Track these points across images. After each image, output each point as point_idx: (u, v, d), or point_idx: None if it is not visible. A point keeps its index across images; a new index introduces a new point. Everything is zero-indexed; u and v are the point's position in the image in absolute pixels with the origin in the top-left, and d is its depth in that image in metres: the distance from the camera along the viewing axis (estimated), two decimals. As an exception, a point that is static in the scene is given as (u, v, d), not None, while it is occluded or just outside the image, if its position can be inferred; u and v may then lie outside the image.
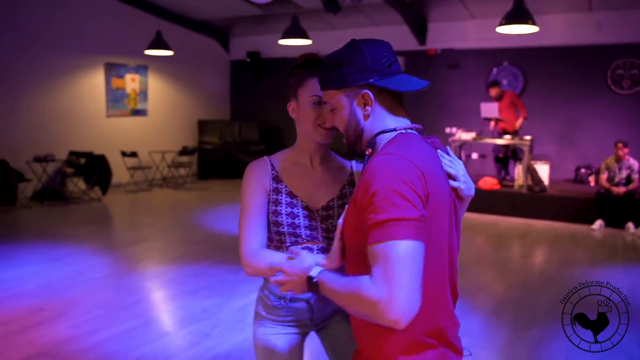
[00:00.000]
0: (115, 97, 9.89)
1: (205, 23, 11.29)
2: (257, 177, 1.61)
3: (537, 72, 9.27)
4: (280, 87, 4.12)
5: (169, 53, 9.29)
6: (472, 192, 1.42)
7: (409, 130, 1.35)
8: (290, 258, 1.41)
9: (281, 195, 1.61)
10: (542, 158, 8.80)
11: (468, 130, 8.84)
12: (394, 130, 1.33)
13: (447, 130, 9.51)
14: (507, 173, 8.96)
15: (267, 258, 1.49)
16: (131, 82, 10.16)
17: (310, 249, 1.61)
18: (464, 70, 9.80)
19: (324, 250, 1.61)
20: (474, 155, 9.75)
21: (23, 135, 8.45)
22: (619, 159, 7.21)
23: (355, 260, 1.28)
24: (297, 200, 1.61)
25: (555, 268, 5.56)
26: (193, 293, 4.43)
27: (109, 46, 9.65)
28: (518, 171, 8.25)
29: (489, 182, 8.25)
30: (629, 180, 7.14)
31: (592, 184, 8.47)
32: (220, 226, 7.01)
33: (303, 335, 1.74)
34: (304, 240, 1.61)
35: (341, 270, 1.35)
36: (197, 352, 3.38)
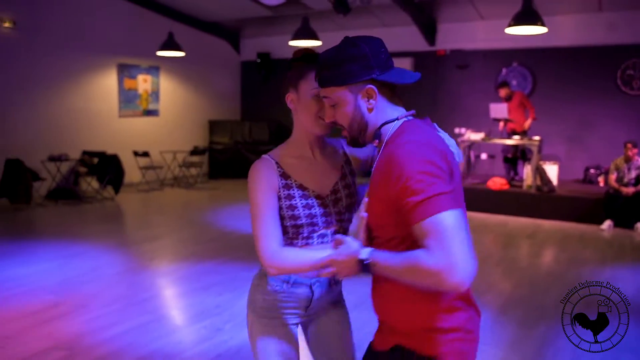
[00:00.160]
0: (127, 98, 10.04)
1: (216, 24, 11.41)
2: (265, 176, 1.62)
3: (546, 72, 9.29)
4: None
5: (181, 54, 9.42)
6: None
7: (409, 118, 1.45)
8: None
9: (293, 190, 1.64)
10: (551, 158, 8.82)
11: (477, 130, 8.88)
12: (397, 119, 1.43)
13: (457, 130, 9.54)
14: (516, 173, 8.99)
15: (296, 257, 1.56)
16: (143, 82, 10.30)
17: (325, 235, 1.67)
18: (473, 70, 9.84)
19: (338, 233, 1.68)
20: (483, 156, 9.78)
21: (38, 135, 8.60)
22: (628, 159, 7.23)
23: (381, 247, 1.38)
24: (308, 191, 1.65)
25: (563, 267, 5.60)
26: (205, 289, 4.53)
27: (122, 47, 9.80)
28: (527, 171, 8.28)
29: (498, 183, 8.29)
30: (638, 180, 7.15)
31: (602, 184, 8.48)
32: (231, 225, 7.11)
33: (296, 327, 1.74)
34: (320, 228, 1.67)
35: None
36: (210, 345, 3.47)
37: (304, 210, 1.64)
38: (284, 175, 1.64)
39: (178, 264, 5.38)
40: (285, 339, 1.71)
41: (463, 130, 9.30)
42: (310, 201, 1.65)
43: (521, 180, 8.70)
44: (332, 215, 1.69)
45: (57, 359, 3.22)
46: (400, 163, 1.27)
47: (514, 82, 9.47)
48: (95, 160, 8.89)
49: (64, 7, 8.82)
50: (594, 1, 8.34)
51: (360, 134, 1.45)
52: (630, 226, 7.13)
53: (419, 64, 10.04)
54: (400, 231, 1.34)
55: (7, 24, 8.07)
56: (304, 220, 1.64)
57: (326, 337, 1.80)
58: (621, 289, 4.73)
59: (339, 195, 1.70)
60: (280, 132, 11.67)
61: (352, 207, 1.74)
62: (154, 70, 10.45)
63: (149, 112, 10.50)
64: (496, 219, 7.68)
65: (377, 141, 1.45)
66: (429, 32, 9.85)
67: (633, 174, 7.18)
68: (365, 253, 1.34)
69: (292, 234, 1.66)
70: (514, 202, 8.07)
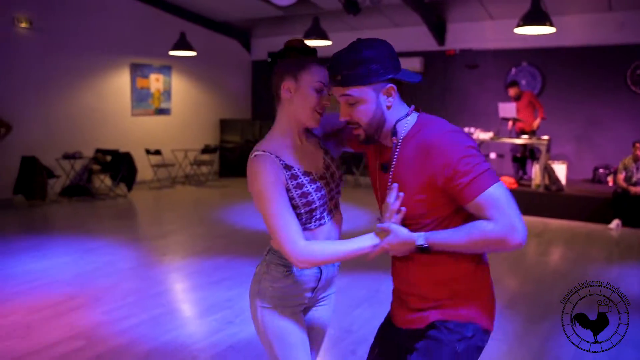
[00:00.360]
0: (140, 97, 10.18)
1: (228, 24, 11.52)
2: (272, 172, 1.61)
3: (556, 72, 9.30)
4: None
5: (192, 54, 9.54)
6: None
7: (416, 113, 1.59)
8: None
9: (300, 179, 1.66)
10: (560, 158, 8.84)
11: (486, 130, 8.92)
12: (407, 115, 1.56)
13: (466, 129, 9.59)
14: (524, 173, 9.02)
15: (328, 250, 1.60)
16: (155, 82, 10.44)
17: (331, 211, 1.77)
18: (482, 70, 9.87)
19: (335, 206, 1.79)
20: (492, 155, 9.82)
21: (53, 133, 8.77)
22: (636, 159, 7.25)
23: (414, 218, 1.55)
24: (312, 175, 1.70)
25: (569, 265, 5.65)
26: (217, 283, 4.64)
27: (135, 47, 9.94)
28: (535, 170, 8.32)
29: (507, 182, 8.33)
30: (646, 180, 7.17)
31: (611, 184, 8.49)
32: (241, 222, 7.22)
33: (301, 312, 1.83)
34: (328, 206, 1.74)
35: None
36: (221, 337, 3.57)
37: (316, 193, 1.68)
38: (286, 167, 1.66)
39: (190, 259, 5.50)
40: (298, 324, 1.77)
41: (472, 129, 9.35)
42: (318, 184, 1.70)
43: (530, 179, 8.74)
44: (333, 190, 1.77)
45: (75, 348, 3.34)
46: (445, 151, 1.42)
47: (523, 82, 9.49)
48: (109, 158, 9.04)
49: (79, 8, 8.98)
50: (604, 1, 8.35)
51: (377, 131, 1.55)
52: (638, 225, 7.14)
53: (428, 63, 10.10)
54: (440, 213, 1.51)
55: (23, 24, 8.24)
56: (318, 203, 1.69)
57: (316, 324, 1.90)
58: (627, 288, 4.81)
59: (331, 170, 1.78)
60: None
61: (340, 178, 1.82)
62: (166, 69, 10.59)
63: (161, 111, 10.64)
64: (504, 218, 7.70)
65: (394, 138, 1.55)
66: (439, 32, 9.90)
67: (641, 173, 7.20)
68: (421, 239, 1.49)
69: (305, 220, 1.69)
70: (522, 201, 8.00)
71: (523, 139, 8.44)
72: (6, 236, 6.33)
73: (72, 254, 5.46)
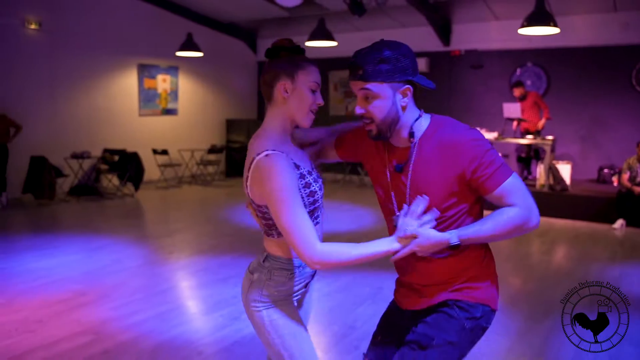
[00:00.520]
0: (147, 97, 10.29)
1: (234, 25, 11.61)
2: (289, 172, 1.59)
3: (561, 72, 9.32)
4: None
5: (199, 54, 9.63)
6: None
7: (426, 114, 1.68)
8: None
9: (307, 178, 1.68)
10: (565, 158, 8.86)
11: (491, 130, 8.95)
12: (420, 117, 1.64)
13: (470, 129, 9.62)
14: (529, 173, 9.04)
15: (344, 252, 1.57)
16: (162, 82, 10.54)
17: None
18: (487, 70, 9.90)
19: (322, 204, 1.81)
20: (497, 155, 9.83)
21: (61, 133, 8.88)
22: (641, 159, 7.26)
23: (449, 227, 1.63)
24: (312, 175, 1.72)
25: (572, 265, 5.68)
26: (223, 281, 4.70)
27: (142, 48, 10.05)
28: (540, 170, 8.34)
29: (511, 181, 8.33)
30: (651, 180, 7.18)
31: (615, 184, 8.50)
32: (247, 221, 7.27)
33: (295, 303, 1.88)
34: (322, 205, 1.78)
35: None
36: (227, 333, 3.63)
37: (320, 192, 1.72)
38: (296, 167, 1.66)
39: (196, 257, 5.57)
40: (298, 316, 1.82)
41: (477, 129, 9.37)
42: (319, 182, 1.74)
43: (534, 179, 8.76)
44: (322, 189, 1.80)
45: (84, 343, 3.41)
46: (471, 147, 1.55)
47: (528, 82, 9.52)
48: (116, 157, 9.14)
49: (87, 10, 9.10)
50: (609, 1, 8.36)
51: (389, 129, 1.62)
52: (642, 225, 7.16)
53: (434, 64, 10.14)
54: (465, 204, 1.62)
55: (33, 26, 8.36)
56: (320, 202, 1.73)
57: (308, 308, 1.97)
58: (630, 287, 4.83)
59: (317, 164, 1.83)
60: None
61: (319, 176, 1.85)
62: (173, 70, 10.69)
63: (168, 111, 10.74)
64: (509, 218, 7.72)
65: (412, 138, 1.62)
66: (444, 32, 9.94)
67: (646, 173, 7.21)
68: (454, 238, 1.56)
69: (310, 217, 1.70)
70: (527, 200, 8.10)
71: (528, 139, 8.47)
72: (16, 234, 6.44)
73: (80, 252, 5.55)
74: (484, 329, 1.70)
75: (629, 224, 7.20)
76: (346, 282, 4.65)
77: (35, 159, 8.10)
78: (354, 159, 1.87)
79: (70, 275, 4.78)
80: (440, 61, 10.11)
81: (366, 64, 1.56)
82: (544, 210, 7.98)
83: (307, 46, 9.04)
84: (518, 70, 9.68)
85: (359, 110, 1.62)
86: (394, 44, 1.58)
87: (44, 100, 8.66)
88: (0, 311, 3.90)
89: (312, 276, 1.87)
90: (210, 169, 11.23)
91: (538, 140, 8.36)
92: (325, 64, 11.05)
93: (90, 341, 3.44)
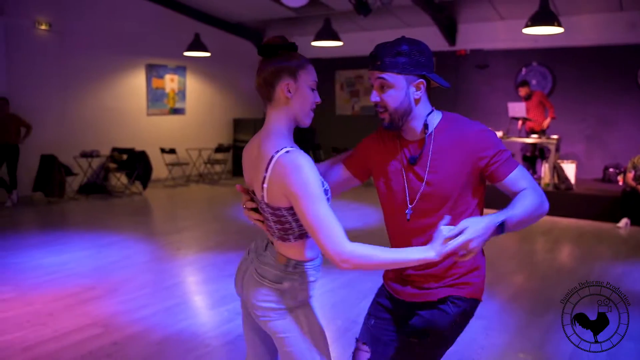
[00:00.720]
0: (155, 97, 10.40)
1: (241, 25, 11.69)
2: (313, 166, 1.56)
3: (566, 72, 9.34)
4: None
5: (206, 54, 9.73)
6: None
7: (437, 110, 1.78)
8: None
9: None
10: (570, 157, 8.88)
11: (496, 129, 8.98)
12: (432, 111, 1.74)
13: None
14: (534, 172, 9.06)
15: (373, 255, 1.50)
16: (170, 82, 10.65)
17: None
18: (493, 70, 9.93)
19: None
20: (502, 154, 9.86)
21: (71, 132, 9.00)
22: (646, 158, 7.27)
23: (447, 208, 1.70)
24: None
25: (575, 263, 5.71)
26: (229, 277, 4.78)
27: (150, 48, 10.16)
28: (544, 169, 8.37)
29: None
30: (655, 179, 7.19)
31: (620, 183, 8.51)
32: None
33: None
34: None
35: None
36: (232, 327, 3.71)
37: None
38: None
39: (203, 253, 5.66)
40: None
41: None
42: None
43: (539, 178, 8.78)
44: None
45: (93, 335, 3.51)
46: (486, 138, 1.66)
47: (533, 82, 9.54)
48: (125, 156, 9.25)
49: (96, 11, 9.22)
50: (615, 1, 8.37)
51: (401, 119, 1.70)
52: (647, 224, 7.17)
53: (439, 63, 10.15)
54: (475, 200, 1.72)
55: (43, 27, 8.49)
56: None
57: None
58: (633, 285, 4.87)
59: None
60: (302, 130, 11.82)
61: None
62: (180, 70, 10.80)
63: (176, 111, 10.85)
64: (513, 216, 7.75)
65: (427, 130, 1.72)
66: (449, 32, 9.98)
67: (651, 172, 7.22)
68: (500, 228, 1.53)
69: None
70: (532, 199, 8.13)
71: (533, 138, 8.50)
72: (26, 231, 6.56)
73: (89, 249, 5.65)
74: (469, 319, 1.79)
75: (633, 222, 7.22)
76: (349, 277, 4.72)
77: (46, 157, 8.22)
78: (366, 168, 1.89)
79: (80, 271, 4.89)
80: (445, 61, 10.15)
81: (385, 56, 1.65)
82: (549, 209, 8.13)
83: (313, 46, 9.13)
84: (523, 70, 9.71)
85: (373, 98, 1.70)
86: (413, 41, 1.68)
87: (54, 99, 8.79)
88: (13, 304, 4.01)
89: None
90: (218, 167, 11.33)
91: (543, 140, 8.38)
92: (332, 63, 11.13)
93: (99, 333, 3.53)
